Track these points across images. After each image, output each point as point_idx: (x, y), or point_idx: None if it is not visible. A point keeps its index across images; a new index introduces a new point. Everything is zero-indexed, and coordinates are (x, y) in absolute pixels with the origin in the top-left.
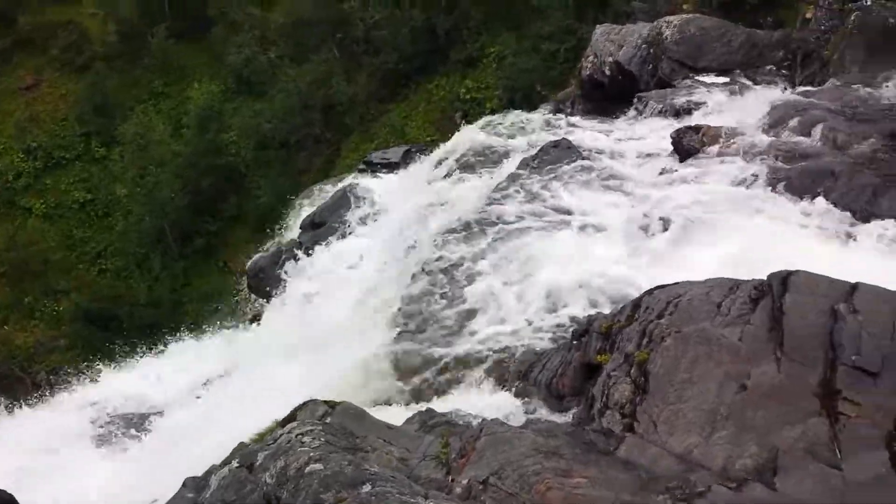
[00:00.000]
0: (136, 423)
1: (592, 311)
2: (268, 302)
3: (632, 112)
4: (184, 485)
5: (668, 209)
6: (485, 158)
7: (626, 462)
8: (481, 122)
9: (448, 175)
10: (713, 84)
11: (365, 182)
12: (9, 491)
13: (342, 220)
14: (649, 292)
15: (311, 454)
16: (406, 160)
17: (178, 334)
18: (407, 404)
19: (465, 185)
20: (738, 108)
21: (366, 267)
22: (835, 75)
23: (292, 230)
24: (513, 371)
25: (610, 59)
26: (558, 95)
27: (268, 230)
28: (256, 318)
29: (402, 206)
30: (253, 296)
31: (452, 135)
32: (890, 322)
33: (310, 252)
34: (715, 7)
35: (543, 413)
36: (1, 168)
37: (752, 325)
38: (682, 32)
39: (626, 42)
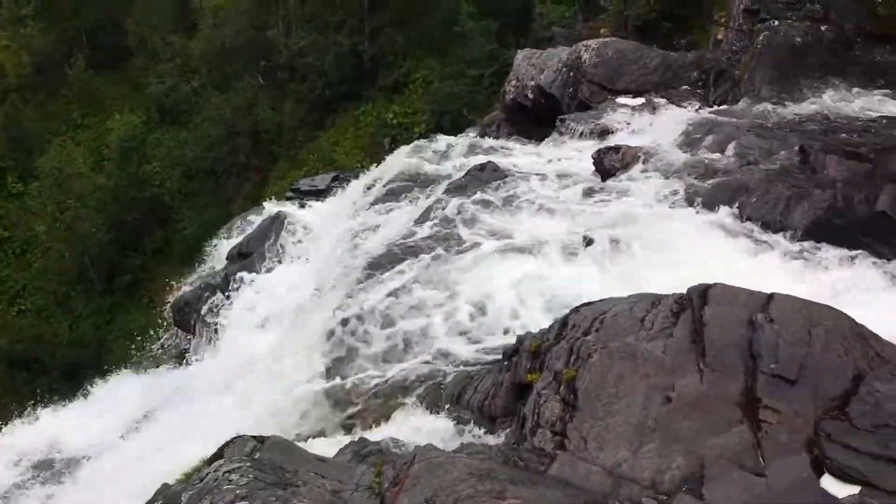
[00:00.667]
0: (57, 469)
1: (522, 331)
2: (195, 337)
3: (555, 134)
4: None
5: (593, 227)
6: (413, 183)
7: (558, 480)
8: (409, 146)
9: (377, 200)
10: (631, 105)
11: (293, 210)
12: None
13: (270, 249)
14: (576, 310)
15: (238, 492)
16: (334, 186)
17: (102, 374)
18: (339, 435)
19: (394, 209)
20: (656, 127)
21: (295, 296)
22: (746, 94)
23: (219, 261)
24: (445, 395)
25: (532, 83)
26: (484, 119)
27: (195, 262)
28: (184, 354)
29: (331, 233)
30: (180, 331)
31: (381, 160)
32: (805, 330)
33: (237, 283)
34: (631, 31)
35: (477, 435)
36: None
37: (674, 338)
38: (600, 56)
39: (547, 66)
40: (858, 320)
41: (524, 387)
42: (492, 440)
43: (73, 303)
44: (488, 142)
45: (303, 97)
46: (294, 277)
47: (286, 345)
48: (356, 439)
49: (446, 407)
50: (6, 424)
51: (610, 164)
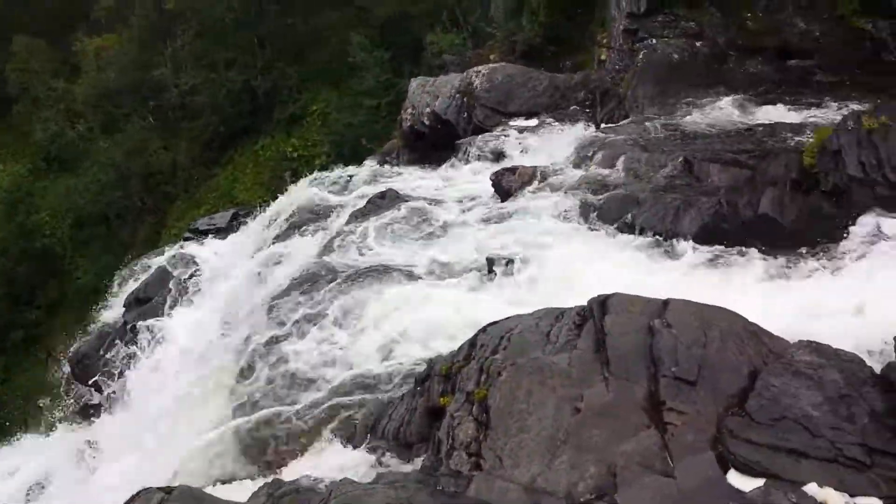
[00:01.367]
0: None
1: (433, 355)
2: (96, 390)
3: (453, 158)
4: None
5: (496, 247)
6: (315, 215)
7: (476, 501)
8: (309, 178)
9: (279, 235)
10: (524, 127)
11: (192, 251)
12: None
13: (170, 292)
14: (483, 330)
15: None
16: (234, 224)
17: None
18: (253, 478)
19: (297, 242)
20: (549, 147)
21: (199, 338)
22: (631, 110)
23: (118, 309)
24: (360, 426)
25: (427, 109)
26: (384, 147)
27: (92, 313)
28: (86, 410)
29: (233, 272)
30: (80, 385)
31: (283, 194)
32: (701, 332)
33: (138, 331)
34: (519, 55)
35: (393, 464)
36: None
37: (579, 350)
38: (491, 81)
39: (441, 93)
40: (749, 318)
41: (438, 411)
42: (409, 468)
43: None
44: (389, 170)
45: (197, 135)
46: (197, 320)
47: (193, 389)
48: (270, 481)
49: (362, 438)
50: None
51: (508, 185)
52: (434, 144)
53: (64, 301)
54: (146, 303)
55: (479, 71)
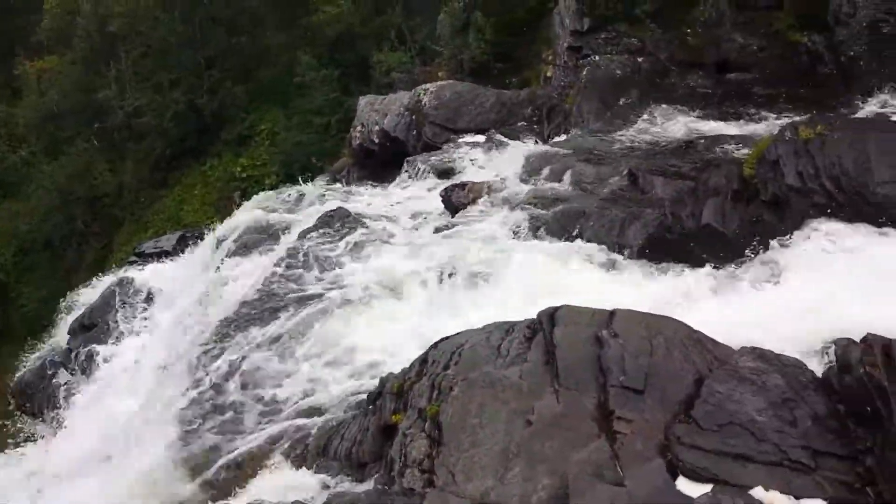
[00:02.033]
0: None
1: (385, 373)
2: (41, 421)
3: (404, 175)
4: None
5: (447, 263)
6: (265, 235)
7: None
8: (258, 198)
9: (227, 256)
10: (473, 143)
11: (138, 274)
12: None
13: (115, 318)
14: (434, 346)
15: None
16: (181, 246)
17: None
18: None
19: (246, 264)
20: (498, 162)
21: (146, 364)
22: (576, 125)
23: (61, 336)
24: (311, 448)
25: (377, 127)
26: (334, 166)
27: (37, 341)
28: (29, 441)
29: (180, 295)
30: (24, 416)
31: (232, 215)
32: (647, 341)
33: (83, 357)
34: (467, 73)
35: (346, 485)
36: None
37: (529, 362)
38: (439, 98)
39: (390, 111)
40: (694, 326)
41: (390, 429)
42: (362, 488)
43: None
44: (339, 188)
45: (143, 157)
46: (143, 345)
47: (139, 416)
48: None
49: (313, 460)
50: None
51: (458, 201)
52: (384, 162)
53: (7, 330)
54: (91, 329)
55: (428, 88)
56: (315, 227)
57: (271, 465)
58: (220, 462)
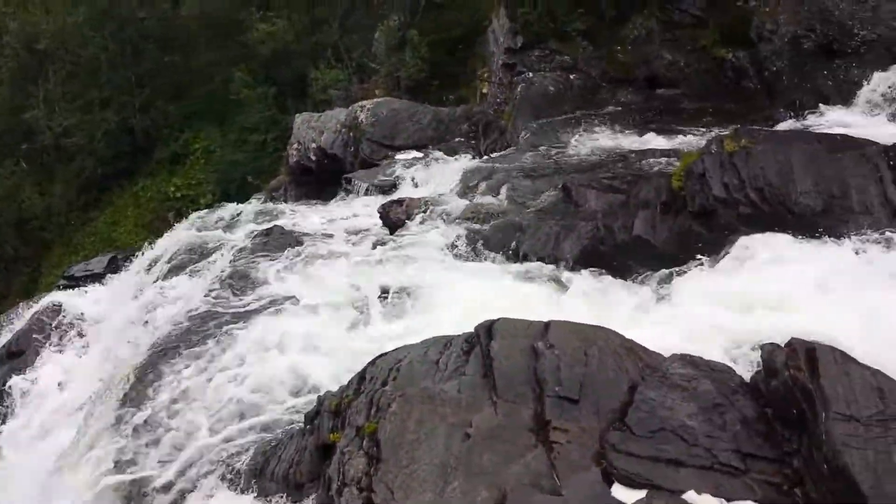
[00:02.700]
0: None
1: (323, 392)
2: None
3: (341, 193)
4: None
5: (385, 280)
6: (199, 255)
7: None
8: (192, 217)
9: (160, 278)
10: (410, 159)
11: (67, 299)
12: None
13: (43, 344)
14: (372, 362)
15: None
16: (112, 269)
17: None
18: None
19: (179, 284)
20: (435, 178)
21: (76, 392)
22: (512, 141)
23: None
24: (246, 470)
25: (314, 144)
26: (270, 184)
27: None
28: None
29: (111, 319)
30: None
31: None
32: (581, 351)
33: (9, 387)
34: (403, 90)
35: None
36: None
37: (467, 376)
38: (376, 115)
39: (327, 128)
40: (626, 335)
41: (328, 448)
42: None
43: None
44: (276, 206)
45: (73, 178)
46: (72, 371)
47: (69, 446)
48: None
49: (249, 483)
50: None
51: (396, 217)
52: (321, 179)
53: None
54: (18, 356)
55: (365, 106)
56: (251, 246)
57: (207, 490)
58: (153, 489)
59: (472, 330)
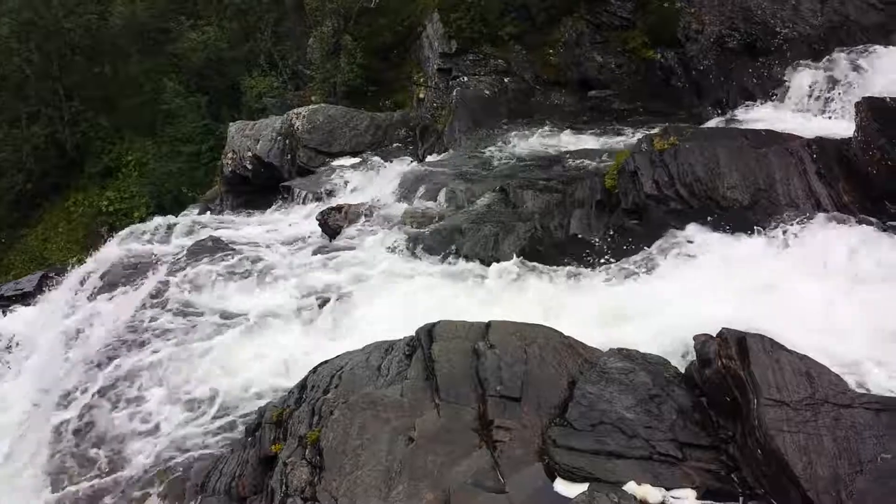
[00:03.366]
0: None
1: (265, 403)
2: None
3: (279, 201)
4: None
5: (326, 287)
6: (133, 270)
7: None
8: (125, 232)
9: (94, 294)
10: (348, 166)
11: None
12: None
13: None
14: (314, 370)
15: None
16: (43, 287)
17: None
18: None
19: (114, 300)
20: (374, 184)
21: (9, 414)
22: (449, 145)
23: None
24: (189, 486)
25: (249, 153)
26: (206, 195)
27: None
28: None
29: (44, 338)
30: None
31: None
32: (522, 349)
33: None
34: (340, 96)
35: None
36: None
37: (409, 379)
38: (312, 122)
39: (262, 136)
40: (565, 332)
41: (270, 459)
42: None
43: None
44: (212, 217)
45: (2, 195)
46: (5, 394)
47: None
48: None
49: (192, 498)
50: None
51: (335, 224)
52: (258, 188)
53: None
54: None
55: (300, 113)
56: (187, 259)
57: None
58: None
59: (413, 334)
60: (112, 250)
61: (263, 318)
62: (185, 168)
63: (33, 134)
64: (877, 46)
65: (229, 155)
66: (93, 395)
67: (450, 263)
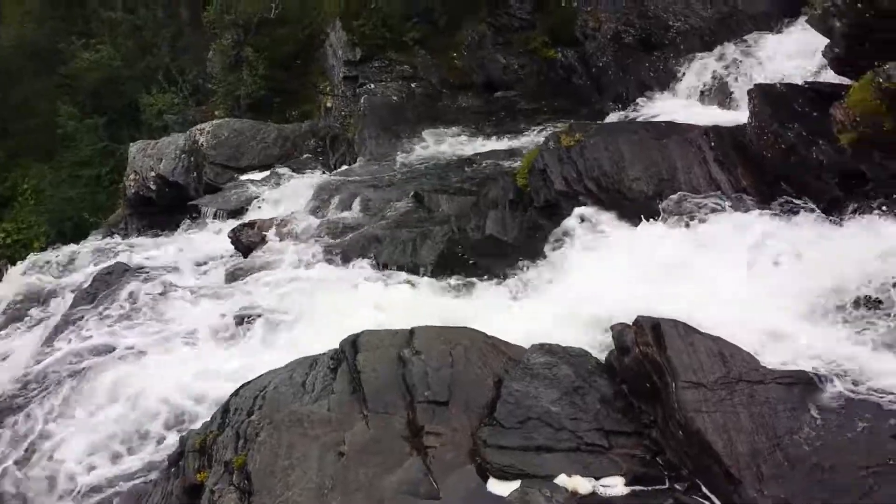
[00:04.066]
0: None
1: (184, 431)
2: None
3: (188, 221)
4: None
5: (243, 306)
6: (34, 303)
7: None
8: (25, 264)
9: None
10: (259, 180)
11: None
12: None
13: None
14: (236, 393)
15: None
16: None
17: None
18: None
19: (15, 337)
20: (286, 197)
21: None
22: (360, 153)
23: None
24: None
25: (152, 173)
26: (109, 219)
27: None
28: None
29: None
30: None
31: None
32: (447, 353)
33: None
34: (244, 109)
35: None
36: None
37: (336, 393)
38: (217, 137)
39: (165, 155)
40: (489, 332)
41: (196, 489)
42: None
43: None
44: (117, 242)
45: None
46: None
47: None
48: None
49: None
50: None
51: (248, 240)
52: (165, 209)
53: None
54: None
55: (204, 128)
56: (91, 288)
57: None
58: None
59: (337, 346)
60: (13, 284)
61: (175, 343)
62: (86, 193)
63: None
64: (765, 34)
65: (132, 176)
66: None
67: (369, 272)
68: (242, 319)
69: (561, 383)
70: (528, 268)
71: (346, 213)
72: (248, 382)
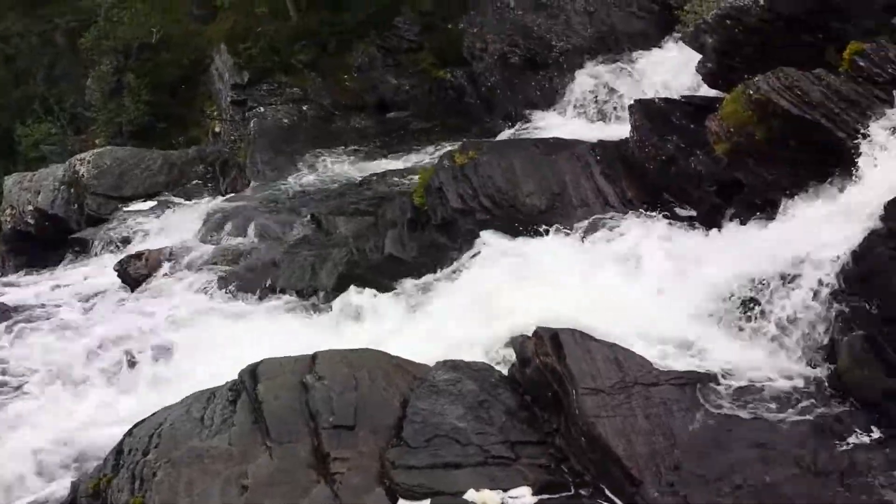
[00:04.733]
0: None
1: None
2: None
3: (70, 255)
4: None
5: (132, 341)
6: None
7: None
8: None
9: None
10: (146, 209)
11: None
12: None
13: None
14: (129, 433)
15: None
16: None
17: None
18: None
19: None
20: (175, 225)
21: None
22: (252, 177)
23: None
24: None
25: (30, 207)
26: None
27: None
28: None
29: None
30: None
31: None
32: (351, 376)
33: None
34: (127, 136)
35: None
36: None
37: (236, 426)
38: (98, 167)
39: (43, 187)
40: (392, 353)
41: None
42: None
43: None
44: None
45: None
46: None
47: None
48: None
49: None
50: None
51: (136, 273)
52: (45, 243)
53: None
54: None
55: (84, 158)
56: None
57: None
58: None
59: (235, 377)
60: None
61: (60, 384)
62: None
63: None
64: (642, 51)
65: (7, 211)
66: None
67: (267, 299)
68: (129, 356)
69: (466, 398)
70: (427, 285)
71: (240, 239)
72: (142, 421)
